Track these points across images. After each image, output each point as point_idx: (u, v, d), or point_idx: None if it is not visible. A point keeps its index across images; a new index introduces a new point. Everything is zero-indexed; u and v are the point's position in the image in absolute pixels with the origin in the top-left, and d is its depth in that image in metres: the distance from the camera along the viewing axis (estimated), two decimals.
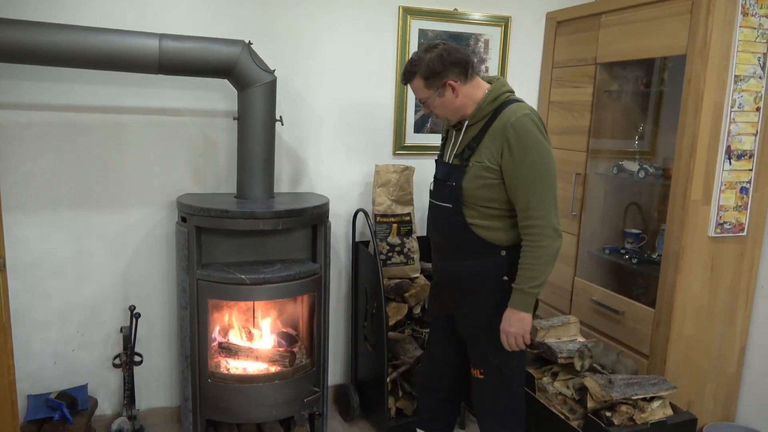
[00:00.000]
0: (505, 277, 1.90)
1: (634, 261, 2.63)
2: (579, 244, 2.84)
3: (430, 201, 2.03)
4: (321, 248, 2.42)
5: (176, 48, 2.17)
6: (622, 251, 2.78)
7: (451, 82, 1.85)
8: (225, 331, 2.54)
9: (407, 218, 2.56)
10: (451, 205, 1.91)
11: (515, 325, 1.85)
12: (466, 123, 1.90)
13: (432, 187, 2.03)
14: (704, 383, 2.44)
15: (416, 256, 2.58)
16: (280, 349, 2.52)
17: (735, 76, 2.18)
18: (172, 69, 2.21)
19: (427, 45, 1.90)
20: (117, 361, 2.43)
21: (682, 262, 2.28)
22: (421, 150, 2.82)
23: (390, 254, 2.54)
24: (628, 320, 2.51)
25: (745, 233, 2.35)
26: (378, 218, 2.54)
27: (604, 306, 2.63)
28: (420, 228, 2.85)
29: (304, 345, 2.57)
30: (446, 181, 1.93)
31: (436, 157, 2.07)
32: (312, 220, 2.35)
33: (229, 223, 2.20)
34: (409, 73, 1.90)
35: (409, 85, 1.95)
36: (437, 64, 1.84)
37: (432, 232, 2.05)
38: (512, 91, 1.90)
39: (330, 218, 2.67)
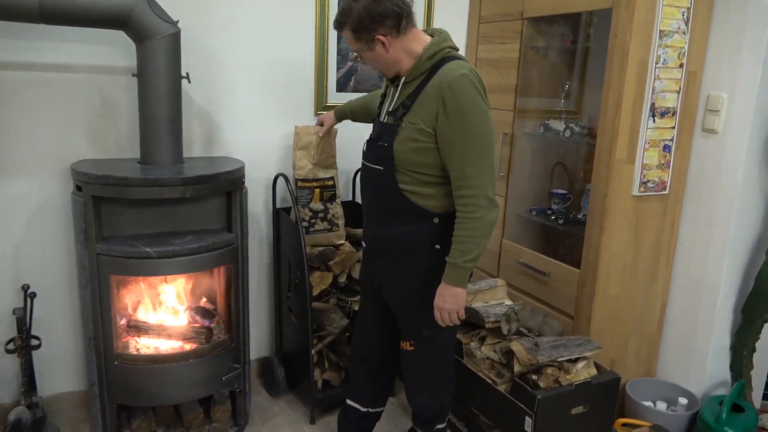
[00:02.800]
0: (437, 246, 1.81)
1: (560, 222, 2.61)
2: (507, 205, 2.79)
3: (362, 162, 1.91)
4: (236, 217, 2.26)
5: None
6: (549, 212, 2.76)
7: (380, 37, 1.70)
8: (134, 308, 2.35)
9: (330, 183, 2.40)
10: (382, 168, 1.79)
11: (449, 301, 1.77)
12: (402, 79, 1.76)
13: (365, 147, 1.90)
14: (627, 341, 2.47)
15: (341, 222, 2.44)
16: (196, 325, 2.36)
17: (660, 31, 2.13)
18: (56, 17, 1.95)
19: None
20: (10, 346, 2.21)
21: (606, 222, 2.26)
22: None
23: (313, 221, 2.39)
24: (554, 281, 2.49)
25: (667, 191, 2.35)
26: (299, 183, 2.37)
27: (531, 268, 2.60)
28: (344, 193, 2.72)
29: (223, 320, 2.42)
30: (378, 141, 1.81)
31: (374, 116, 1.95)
32: (225, 186, 2.17)
33: (131, 192, 1.99)
34: (338, 23, 1.77)
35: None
36: (364, 17, 1.69)
37: (363, 195, 1.94)
38: (455, 48, 1.77)
39: (248, 184, 2.50)
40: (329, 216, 2.38)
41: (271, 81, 2.58)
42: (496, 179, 1.76)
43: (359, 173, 1.98)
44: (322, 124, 2.39)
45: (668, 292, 2.52)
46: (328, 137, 2.40)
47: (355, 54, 1.81)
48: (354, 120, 2.34)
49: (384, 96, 1.91)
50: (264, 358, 2.84)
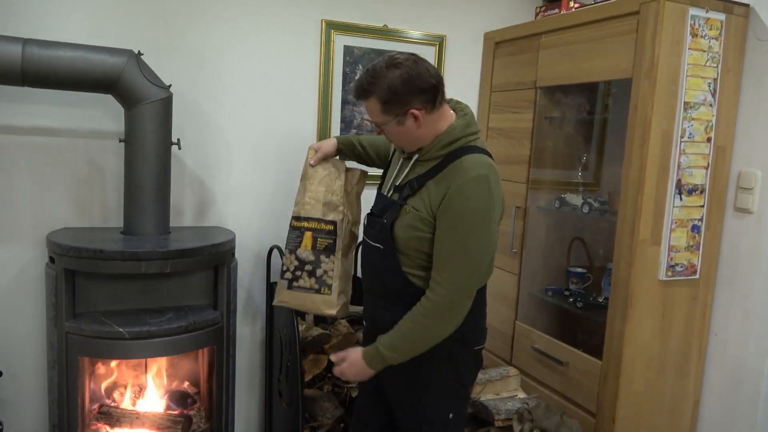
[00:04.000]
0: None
1: (579, 305, 2.38)
2: (520, 284, 2.58)
3: (363, 238, 1.74)
4: (223, 292, 2.07)
5: (43, 56, 1.82)
6: (566, 293, 2.53)
7: (415, 111, 1.50)
8: (109, 391, 2.14)
9: (329, 227, 1.81)
10: (382, 247, 1.61)
11: (353, 372, 1.63)
12: (416, 157, 1.60)
13: (365, 221, 1.73)
14: None
15: (335, 285, 1.82)
16: (174, 412, 2.14)
17: (684, 103, 1.97)
18: (39, 80, 1.85)
19: (390, 58, 1.51)
20: None
21: (630, 309, 2.04)
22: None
23: (297, 273, 1.82)
24: (573, 372, 2.24)
25: (697, 276, 2.13)
26: (292, 222, 1.85)
27: (546, 355, 2.36)
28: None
29: (205, 405, 2.19)
30: (379, 217, 1.64)
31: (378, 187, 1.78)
32: (211, 260, 2.00)
33: (106, 266, 1.83)
34: (363, 91, 1.53)
35: (362, 102, 1.58)
36: (401, 89, 1.48)
37: (364, 272, 1.75)
38: (477, 132, 1.60)
39: (242, 256, 2.34)
40: (319, 272, 1.81)
41: (269, 148, 2.45)
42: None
43: (362, 245, 1.78)
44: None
45: (701, 389, 2.25)
46: (335, 171, 1.86)
47: (376, 126, 1.61)
48: (359, 157, 1.95)
49: (389, 164, 1.74)
50: None
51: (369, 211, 1.73)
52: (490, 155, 1.58)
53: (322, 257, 1.81)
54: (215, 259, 2.01)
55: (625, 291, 2.04)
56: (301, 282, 1.83)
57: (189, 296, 2.10)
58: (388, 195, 1.64)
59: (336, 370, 1.65)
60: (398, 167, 1.66)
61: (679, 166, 2.01)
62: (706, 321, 2.19)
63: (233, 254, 2.14)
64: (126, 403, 2.13)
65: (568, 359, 2.27)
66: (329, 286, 1.82)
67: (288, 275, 1.85)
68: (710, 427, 2.23)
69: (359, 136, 1.98)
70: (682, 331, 2.15)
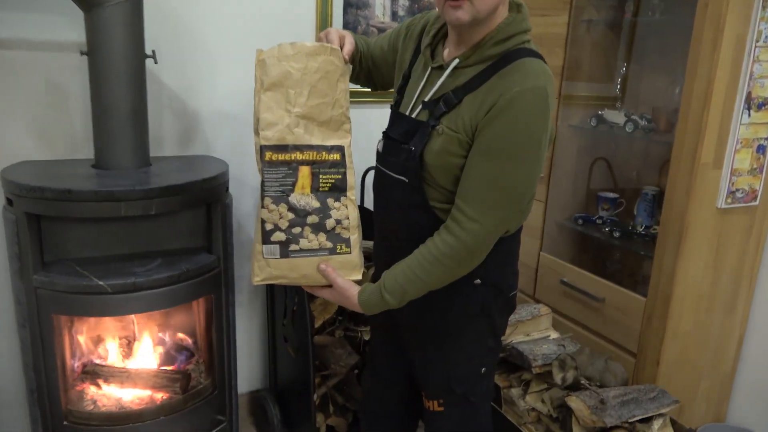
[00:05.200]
0: (477, 280, 1.35)
1: (616, 234, 2.14)
2: (546, 212, 2.32)
3: (376, 167, 1.43)
4: (218, 233, 1.78)
5: None
6: (598, 221, 2.29)
7: None
8: (93, 347, 1.89)
9: (335, 157, 1.31)
10: (406, 179, 1.31)
11: (337, 300, 1.37)
12: (455, 62, 1.26)
13: (380, 147, 1.41)
14: (698, 383, 2.03)
15: (353, 238, 1.34)
16: (169, 368, 1.89)
17: None
18: None
19: None
20: None
21: (684, 244, 1.80)
22: (356, 97, 2.16)
23: (295, 231, 1.29)
24: (610, 309, 2.04)
25: (757, 202, 1.89)
26: (267, 155, 1.28)
27: (578, 290, 2.14)
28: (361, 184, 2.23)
29: (204, 358, 1.95)
30: (402, 143, 1.32)
31: (391, 103, 1.43)
32: (202, 197, 1.69)
33: (76, 209, 1.51)
34: None
35: None
36: None
37: (378, 210, 1.45)
38: (528, 30, 1.26)
39: (237, 187, 2.03)
40: (330, 224, 1.31)
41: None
42: (497, 238, 1.27)
43: (373, 179, 1.47)
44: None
45: (746, 323, 2.06)
46: (334, 69, 1.30)
47: None
48: (364, 71, 1.52)
49: (408, 75, 1.39)
50: (256, 393, 2.39)
51: (384, 134, 1.42)
52: (545, 61, 1.26)
53: (330, 201, 1.31)
54: (207, 195, 1.70)
55: (681, 222, 1.79)
56: (303, 243, 1.30)
57: (179, 238, 1.81)
58: (413, 115, 1.33)
59: (316, 291, 1.37)
60: (425, 79, 1.32)
61: (750, 76, 1.71)
62: (759, 252, 1.98)
63: (227, 188, 1.83)
64: (114, 359, 1.88)
65: (605, 295, 2.05)
66: (347, 241, 1.32)
67: (279, 236, 1.28)
68: (752, 363, 2.07)
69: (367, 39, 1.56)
70: (734, 263, 1.93)
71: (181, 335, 1.98)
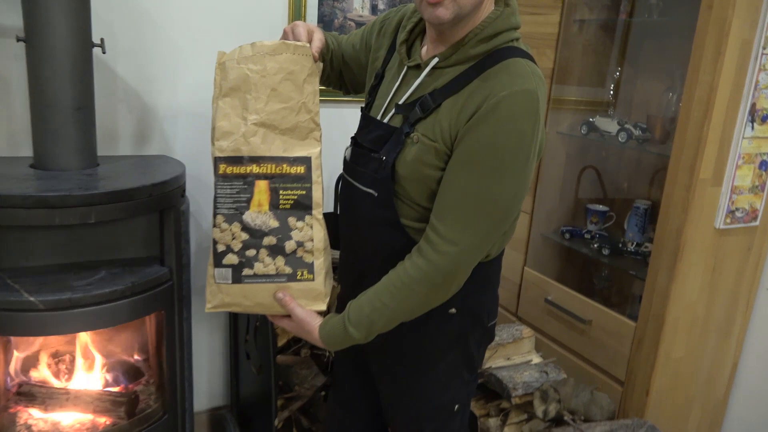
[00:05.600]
0: (452, 309, 1.20)
1: (605, 252, 2.00)
2: (532, 223, 2.18)
3: (342, 177, 1.27)
4: (171, 243, 1.61)
5: None
6: (586, 235, 2.15)
7: None
8: (28, 366, 1.71)
9: (299, 170, 1.15)
10: (375, 193, 1.16)
11: (297, 332, 1.20)
12: (434, 61, 1.10)
13: (348, 155, 1.25)
14: (688, 412, 1.90)
15: (317, 263, 1.16)
16: (115, 390, 1.72)
17: None
18: None
19: None
20: None
21: (680, 265, 1.66)
22: (327, 95, 2.01)
23: (248, 253, 1.14)
24: (597, 332, 1.90)
25: (757, 222, 1.76)
26: (221, 167, 1.13)
27: (563, 310, 2.00)
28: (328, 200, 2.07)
29: (154, 380, 1.78)
30: (372, 152, 1.16)
31: (362, 106, 1.27)
32: (154, 203, 1.52)
33: (2, 217, 1.34)
34: None
35: None
36: None
37: (345, 227, 1.29)
38: (517, 27, 1.10)
39: (196, 191, 1.87)
40: (290, 246, 1.14)
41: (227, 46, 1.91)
42: (476, 261, 1.12)
43: (339, 190, 1.32)
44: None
45: (741, 348, 1.94)
46: (300, 67, 1.13)
47: None
48: (335, 71, 1.36)
49: (381, 75, 1.23)
50: (216, 411, 2.22)
51: (352, 140, 1.26)
52: (535, 63, 1.11)
53: (291, 220, 1.14)
54: (159, 201, 1.53)
55: (676, 241, 1.65)
56: (258, 267, 1.14)
57: (127, 246, 1.64)
58: (385, 119, 1.17)
59: (276, 321, 1.21)
60: (400, 79, 1.16)
61: (755, 86, 1.58)
62: (758, 274, 1.85)
63: (183, 193, 1.66)
64: (54, 378, 1.71)
65: (592, 316, 1.91)
66: (309, 267, 1.15)
67: (231, 259, 1.14)
68: (746, 390, 1.95)
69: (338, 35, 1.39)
70: (731, 286, 1.80)
71: (129, 353, 1.80)
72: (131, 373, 1.78)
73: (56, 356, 1.74)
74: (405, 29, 1.18)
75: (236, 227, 1.13)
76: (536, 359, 1.88)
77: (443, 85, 1.08)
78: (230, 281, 1.15)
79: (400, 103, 1.13)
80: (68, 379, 1.71)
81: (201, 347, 2.12)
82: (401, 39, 1.17)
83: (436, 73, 1.10)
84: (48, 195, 1.33)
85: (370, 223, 1.19)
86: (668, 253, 1.67)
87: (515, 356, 1.87)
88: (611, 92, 2.11)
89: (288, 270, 1.15)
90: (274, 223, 1.14)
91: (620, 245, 2.00)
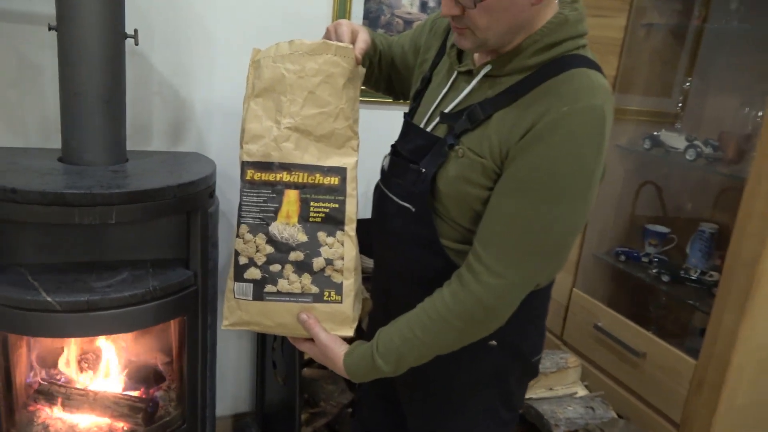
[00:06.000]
0: (493, 342, 1.07)
1: (665, 279, 1.83)
2: (583, 242, 2.02)
3: (379, 185, 1.16)
4: (196, 246, 1.54)
5: None
6: (644, 258, 1.97)
7: None
8: (50, 361, 1.67)
9: (333, 181, 1.03)
10: (413, 208, 1.04)
11: (322, 361, 1.08)
12: (486, 69, 0.97)
13: (386, 164, 1.14)
14: None
15: (347, 283, 1.04)
16: (134, 394, 1.66)
17: None
18: None
19: None
20: None
21: (752, 302, 1.48)
22: (371, 96, 1.89)
23: (272, 268, 1.03)
24: (651, 367, 1.73)
25: None
26: (248, 173, 1.04)
27: (613, 338, 1.83)
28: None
29: (175, 386, 1.72)
30: (411, 162, 1.05)
31: (405, 111, 1.16)
32: (180, 205, 1.44)
33: (21, 212, 1.28)
34: None
35: None
36: None
37: (377, 244, 1.18)
38: (584, 35, 0.96)
39: (230, 190, 1.79)
40: (318, 264, 1.03)
41: (267, 40, 1.83)
42: (528, 288, 0.98)
43: (373, 201, 1.21)
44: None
45: None
46: (340, 71, 1.02)
47: (452, 11, 0.91)
48: (379, 75, 1.24)
49: (428, 79, 1.11)
50: (240, 418, 2.15)
51: (392, 148, 1.15)
52: (603, 74, 0.97)
53: (321, 235, 1.03)
54: (185, 203, 1.45)
55: (749, 275, 1.47)
56: (281, 285, 1.02)
57: (152, 246, 1.57)
58: (428, 128, 1.05)
59: (297, 344, 1.10)
60: (449, 85, 1.05)
61: None
62: None
63: (212, 194, 1.58)
64: (76, 378, 1.66)
65: (646, 349, 1.74)
66: (337, 287, 1.03)
67: (253, 273, 1.03)
68: None
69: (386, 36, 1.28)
70: None
71: (153, 354, 1.74)
72: (153, 376, 1.72)
73: (80, 354, 1.69)
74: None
75: (261, 239, 1.03)
76: (581, 391, 1.72)
77: (495, 95, 0.95)
78: (251, 297, 1.05)
79: (446, 111, 1.01)
80: (90, 378, 1.66)
81: (228, 352, 2.05)
82: (452, 41, 1.05)
83: (488, 82, 0.98)
84: (67, 192, 1.27)
85: (405, 240, 1.08)
86: (739, 287, 1.50)
87: (558, 387, 1.72)
88: (679, 104, 1.93)
89: (314, 290, 1.04)
90: (302, 237, 1.03)
91: (682, 273, 1.82)
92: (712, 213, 1.96)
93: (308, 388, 1.81)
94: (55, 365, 1.66)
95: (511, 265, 0.94)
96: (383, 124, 1.94)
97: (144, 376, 1.71)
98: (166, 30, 1.70)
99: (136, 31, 1.50)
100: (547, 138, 0.88)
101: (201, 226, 1.52)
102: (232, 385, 2.12)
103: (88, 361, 1.69)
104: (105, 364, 1.68)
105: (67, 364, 1.68)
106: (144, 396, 1.66)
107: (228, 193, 1.86)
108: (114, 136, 1.50)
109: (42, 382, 1.62)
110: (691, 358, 1.61)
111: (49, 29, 1.41)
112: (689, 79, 1.93)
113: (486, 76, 0.98)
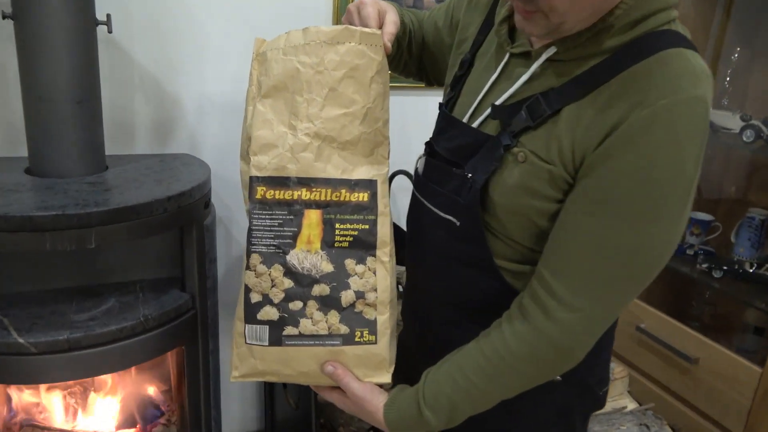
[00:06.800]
0: (557, 378, 0.88)
1: (716, 273, 1.65)
2: None
3: (412, 193, 0.96)
4: (193, 266, 1.33)
5: None
6: (688, 250, 1.79)
7: None
8: (36, 397, 1.47)
9: (362, 197, 0.84)
10: (457, 222, 0.84)
11: (354, 411, 0.88)
12: (550, 51, 0.76)
13: (420, 167, 0.94)
14: None
15: (381, 319, 0.85)
16: (131, 431, 1.47)
17: None
18: None
19: None
20: None
21: None
22: (396, 81, 1.67)
23: (292, 306, 0.83)
24: (705, 373, 1.55)
25: None
26: (259, 190, 0.83)
27: (661, 342, 1.66)
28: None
29: (176, 419, 1.53)
30: (454, 166, 0.85)
31: (440, 102, 0.95)
32: (167, 221, 1.24)
33: None
34: None
35: None
36: None
37: (413, 259, 0.97)
38: (676, 4, 0.74)
39: (227, 194, 1.60)
40: (347, 298, 0.84)
41: (265, 32, 1.60)
42: (610, 322, 0.79)
43: (408, 210, 1.01)
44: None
45: None
46: (365, 61, 0.81)
47: None
48: (409, 58, 1.03)
49: (470, 62, 0.89)
50: None
51: (427, 146, 0.94)
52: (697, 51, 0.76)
53: (350, 263, 0.84)
54: (177, 217, 1.25)
55: None
56: (304, 325, 0.83)
57: (141, 266, 1.38)
58: (474, 123, 0.84)
59: (324, 393, 0.91)
60: (499, 70, 0.83)
61: None
62: None
63: (208, 204, 1.38)
64: (61, 417, 1.47)
65: (699, 354, 1.57)
66: (371, 325, 0.84)
67: (269, 313, 0.84)
68: None
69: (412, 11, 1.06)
70: None
71: (147, 387, 1.55)
72: (149, 410, 1.52)
73: (66, 388, 1.49)
74: (507, 2, 0.85)
75: (277, 271, 0.84)
76: (630, 404, 1.55)
77: (563, 85, 0.75)
78: (267, 343, 0.85)
79: (499, 103, 0.81)
80: (77, 416, 1.47)
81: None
82: (502, 15, 0.84)
83: (553, 67, 0.77)
84: (36, 215, 1.06)
85: (447, 258, 0.88)
86: None
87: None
88: (727, 80, 1.73)
89: (343, 329, 0.84)
90: (327, 267, 0.84)
91: (735, 266, 1.64)
92: (759, 198, 1.78)
93: (325, 413, 1.63)
94: (39, 401, 1.46)
95: (591, 296, 0.75)
96: (414, 115, 1.74)
97: (140, 411, 1.51)
98: (146, 15, 1.48)
99: (108, 16, 1.28)
100: (639, 140, 0.68)
101: (197, 242, 1.32)
102: (238, 402, 1.94)
103: (74, 395, 1.49)
104: (96, 398, 1.49)
105: (53, 400, 1.48)
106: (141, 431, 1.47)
107: (225, 198, 1.66)
108: (90, 142, 1.28)
109: (23, 425, 1.42)
110: (755, 365, 1.44)
111: (3, 17, 1.19)
112: (738, 49, 1.72)
113: (549, 60, 0.77)
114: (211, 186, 1.40)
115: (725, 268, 1.64)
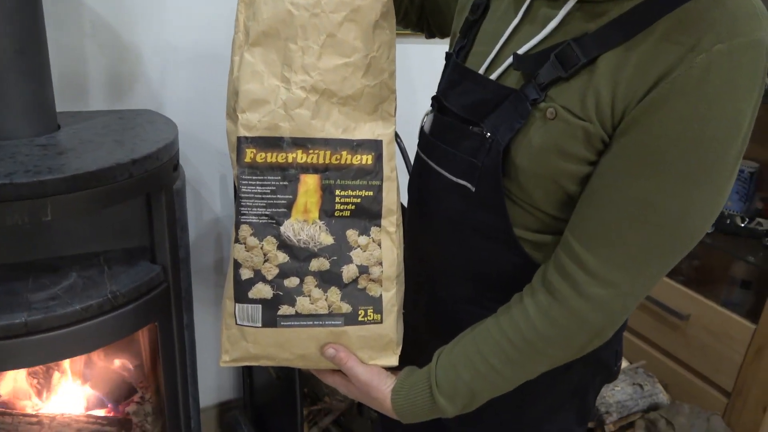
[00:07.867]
0: None
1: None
2: None
3: (417, 155, 0.87)
4: (163, 234, 1.21)
5: None
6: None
7: None
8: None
9: (366, 159, 0.74)
10: (473, 188, 0.75)
11: (359, 398, 0.81)
12: None
13: (427, 125, 0.84)
14: None
15: (387, 296, 0.77)
16: (101, 412, 1.37)
17: None
18: None
19: None
20: None
21: None
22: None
23: (288, 284, 0.75)
24: (697, 330, 1.54)
25: None
26: (249, 153, 0.72)
27: (650, 299, 1.63)
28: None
29: (150, 397, 1.43)
30: (470, 124, 0.75)
31: (448, 51, 0.85)
32: (134, 187, 1.10)
33: None
34: None
35: None
36: None
37: (417, 227, 0.88)
38: None
39: (195, 155, 1.46)
40: (349, 273, 0.75)
41: None
42: (647, 292, 0.72)
43: (410, 173, 0.91)
44: None
45: None
46: (368, 10, 0.70)
47: None
48: (410, 4, 0.94)
49: (485, 5, 0.79)
50: (226, 407, 1.90)
51: (435, 101, 0.84)
52: None
53: (351, 234, 0.75)
54: (144, 182, 1.12)
55: None
56: (301, 304, 0.75)
57: (106, 235, 1.25)
58: (492, 75, 0.74)
59: (324, 377, 0.83)
60: (521, 14, 0.73)
61: None
62: None
63: (176, 166, 1.25)
64: (25, 401, 1.35)
65: (690, 310, 1.55)
66: (376, 302, 0.76)
67: (262, 291, 0.75)
68: None
69: None
70: None
71: (117, 364, 1.44)
72: (122, 389, 1.42)
73: (28, 373, 1.37)
74: None
75: (270, 244, 0.74)
76: (623, 362, 1.52)
77: (599, 29, 0.65)
78: (260, 324, 0.76)
79: (522, 52, 0.70)
80: (44, 398, 1.36)
81: (205, 331, 1.76)
82: None
83: (585, 9, 0.67)
84: None
85: (460, 228, 0.79)
86: None
87: None
88: None
89: (345, 308, 0.76)
90: (326, 239, 0.75)
91: (726, 221, 1.60)
92: (748, 149, 1.73)
93: (308, 382, 1.56)
94: None
95: (628, 269, 0.67)
96: (418, 65, 1.62)
97: (111, 390, 1.41)
98: None
99: None
100: (691, 90, 0.59)
101: (167, 209, 1.20)
102: (214, 371, 1.85)
103: (37, 376, 1.38)
104: (63, 379, 1.38)
105: (13, 381, 1.37)
106: (113, 414, 1.37)
107: (193, 159, 1.53)
108: (37, 98, 1.13)
109: None
110: (748, 321, 1.42)
111: None
112: None
113: (581, 1, 0.67)
114: (179, 146, 1.27)
115: (714, 222, 1.60)
